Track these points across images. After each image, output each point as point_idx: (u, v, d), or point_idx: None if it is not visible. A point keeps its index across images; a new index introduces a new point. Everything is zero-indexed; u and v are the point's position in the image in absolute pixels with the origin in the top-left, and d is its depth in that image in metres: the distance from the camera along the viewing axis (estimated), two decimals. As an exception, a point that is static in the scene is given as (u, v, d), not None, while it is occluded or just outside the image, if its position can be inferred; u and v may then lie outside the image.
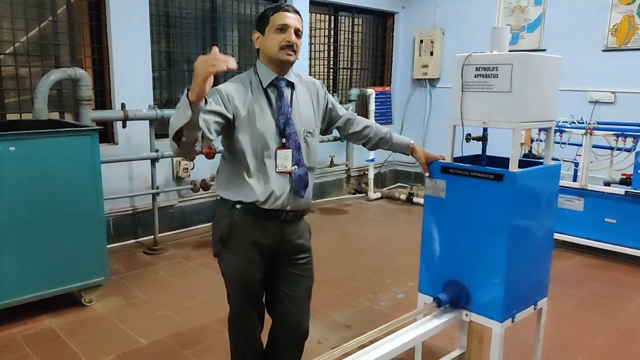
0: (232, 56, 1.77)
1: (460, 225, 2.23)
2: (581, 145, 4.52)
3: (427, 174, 2.30)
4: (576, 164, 4.70)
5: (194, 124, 1.61)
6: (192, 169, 4.99)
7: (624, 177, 4.56)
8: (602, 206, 4.50)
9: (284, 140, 1.96)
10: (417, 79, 7.11)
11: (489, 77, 2.12)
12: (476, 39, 6.43)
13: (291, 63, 1.96)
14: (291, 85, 2.02)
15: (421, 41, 6.97)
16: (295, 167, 1.98)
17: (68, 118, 4.28)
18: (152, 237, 4.53)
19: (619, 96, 5.46)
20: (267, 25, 1.94)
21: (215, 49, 1.56)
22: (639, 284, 3.95)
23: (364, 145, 2.31)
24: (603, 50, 5.52)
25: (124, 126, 4.13)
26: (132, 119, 4.10)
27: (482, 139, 2.43)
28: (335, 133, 2.39)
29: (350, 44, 6.92)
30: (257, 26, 1.99)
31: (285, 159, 1.96)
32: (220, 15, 5.32)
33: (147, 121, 4.31)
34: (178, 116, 1.61)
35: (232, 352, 2.16)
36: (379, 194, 6.64)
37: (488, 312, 2.16)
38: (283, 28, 1.90)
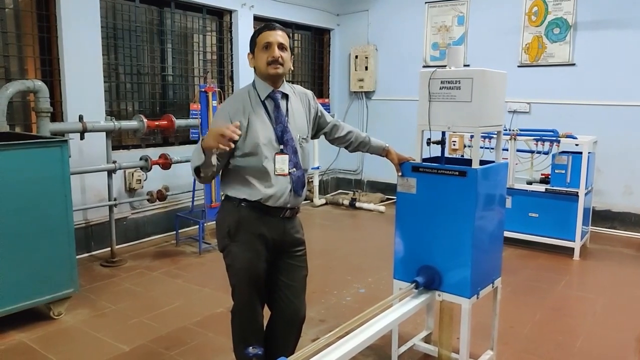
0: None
1: (430, 216, 2.55)
2: (507, 149, 5.09)
3: (399, 173, 2.61)
4: (503, 166, 5.28)
5: (207, 164, 2.03)
6: (145, 180, 4.99)
7: (543, 176, 5.21)
8: (526, 203, 5.10)
9: (282, 147, 2.18)
10: (354, 92, 7.53)
11: (452, 89, 2.47)
12: (407, 55, 7.01)
13: (280, 75, 2.20)
14: (285, 96, 2.26)
15: (356, 56, 7.40)
16: (294, 169, 2.20)
17: (18, 131, 4.17)
18: (109, 249, 4.49)
19: (533, 106, 6.19)
20: (255, 46, 2.20)
21: (230, 126, 1.90)
22: (561, 269, 4.54)
23: (346, 148, 2.57)
24: (518, 66, 6.22)
25: (82, 138, 4.09)
26: (90, 131, 4.07)
27: (441, 143, 2.80)
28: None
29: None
30: (249, 48, 2.24)
31: (282, 163, 2.18)
32: (168, 28, 5.40)
33: (103, 133, 4.30)
34: (195, 158, 2.04)
35: (236, 340, 2.31)
36: (323, 200, 6.95)
37: (458, 290, 2.50)
38: (267, 46, 2.15)
